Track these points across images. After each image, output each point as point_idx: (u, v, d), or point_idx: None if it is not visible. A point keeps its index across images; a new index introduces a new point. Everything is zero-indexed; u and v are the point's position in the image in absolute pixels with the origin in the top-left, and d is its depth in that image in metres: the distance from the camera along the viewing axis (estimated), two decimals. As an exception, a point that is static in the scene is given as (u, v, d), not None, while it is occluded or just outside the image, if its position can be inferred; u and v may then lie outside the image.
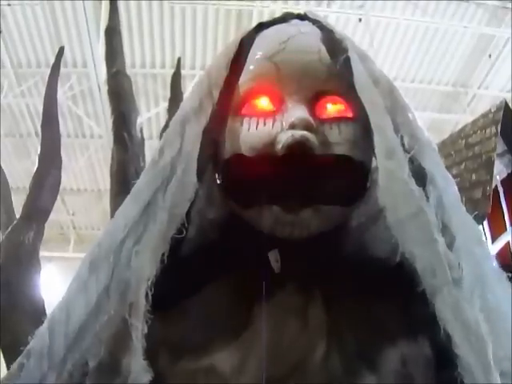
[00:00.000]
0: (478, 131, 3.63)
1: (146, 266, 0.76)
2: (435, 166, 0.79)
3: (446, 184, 0.79)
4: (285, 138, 0.79)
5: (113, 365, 0.74)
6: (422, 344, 0.80)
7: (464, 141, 3.74)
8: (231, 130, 0.85)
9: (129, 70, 8.87)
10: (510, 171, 3.75)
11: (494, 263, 0.81)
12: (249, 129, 0.84)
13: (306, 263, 0.85)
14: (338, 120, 0.84)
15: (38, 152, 4.28)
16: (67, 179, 9.41)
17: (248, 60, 0.88)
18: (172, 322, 0.81)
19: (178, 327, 0.81)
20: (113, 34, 4.00)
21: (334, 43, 0.86)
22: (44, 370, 0.78)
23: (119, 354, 0.74)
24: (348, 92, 0.83)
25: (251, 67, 0.87)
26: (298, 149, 0.79)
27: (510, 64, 8.42)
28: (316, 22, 0.92)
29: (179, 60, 4.70)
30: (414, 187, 0.75)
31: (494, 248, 3.64)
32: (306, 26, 0.91)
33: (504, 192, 3.71)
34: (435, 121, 9.37)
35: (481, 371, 0.68)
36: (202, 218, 0.91)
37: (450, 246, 0.73)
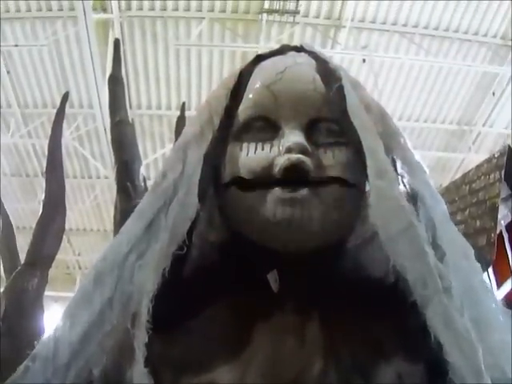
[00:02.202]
0: (482, 177, 3.63)
1: (148, 280, 0.79)
2: (425, 185, 0.83)
3: (435, 202, 0.83)
4: (282, 161, 0.83)
5: (117, 375, 0.78)
6: (417, 358, 0.81)
7: (468, 186, 3.73)
8: (231, 154, 0.88)
9: (135, 112, 9.01)
10: (515, 216, 3.73)
11: (482, 276, 0.83)
12: (248, 153, 0.87)
13: (303, 283, 0.86)
14: (332, 145, 0.87)
15: (43, 198, 4.31)
16: (73, 219, 9.45)
17: (247, 89, 0.92)
18: (174, 340, 0.83)
19: (179, 346, 0.83)
20: (116, 83, 4.04)
21: (328, 73, 0.91)
22: (48, 374, 0.80)
23: (124, 364, 0.77)
24: (341, 118, 0.87)
25: (250, 96, 0.91)
26: (294, 171, 0.82)
27: (514, 101, 8.48)
28: (311, 53, 0.97)
29: (183, 104, 4.75)
30: (405, 203, 0.79)
31: (500, 293, 3.60)
32: (302, 57, 0.96)
33: (509, 237, 3.69)
34: (441, 159, 9.40)
35: (472, 375, 0.70)
36: (203, 240, 0.94)
37: (440, 259, 0.77)
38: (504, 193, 3.59)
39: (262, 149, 0.86)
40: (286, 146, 0.84)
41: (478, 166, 3.76)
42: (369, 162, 0.82)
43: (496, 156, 3.63)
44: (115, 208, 3.18)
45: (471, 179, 3.75)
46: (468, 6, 8.12)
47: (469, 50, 8.69)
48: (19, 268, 4.16)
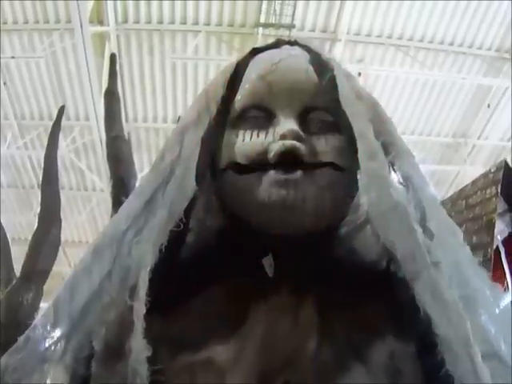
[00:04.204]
0: (479, 192, 3.62)
1: (145, 255, 0.82)
2: (413, 168, 0.87)
3: (422, 183, 0.86)
4: (276, 147, 0.86)
5: (118, 347, 0.79)
6: (409, 337, 0.83)
7: (464, 201, 3.72)
8: (227, 141, 0.92)
9: (131, 124, 9.01)
10: (511, 230, 3.72)
11: (469, 252, 0.85)
12: (243, 140, 0.90)
13: (298, 268, 0.89)
14: (325, 132, 0.91)
15: (38, 211, 4.30)
16: (69, 231, 9.42)
17: (244, 79, 0.96)
18: (171, 320, 0.85)
19: (177, 325, 0.85)
20: (112, 98, 4.04)
21: (320, 63, 0.95)
22: (48, 344, 0.83)
23: (123, 337, 0.78)
24: (334, 106, 0.91)
25: (246, 86, 0.95)
26: (288, 156, 0.85)
27: (509, 113, 8.52)
28: (305, 47, 1.00)
29: (180, 118, 4.74)
30: (394, 183, 0.83)
31: (497, 309, 3.58)
32: (296, 50, 1.00)
33: (506, 252, 3.68)
34: (436, 172, 9.41)
35: (460, 345, 0.72)
36: (200, 225, 0.97)
37: (429, 238, 0.80)
38: (501, 208, 3.58)
39: (258, 136, 0.90)
40: (280, 133, 0.87)
41: (475, 181, 3.75)
42: (359, 146, 0.86)
43: (492, 171, 3.62)
44: (111, 223, 3.17)
45: (467, 194, 3.74)
46: (462, 18, 8.16)
47: (464, 62, 8.73)
48: (14, 282, 4.15)
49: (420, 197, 0.83)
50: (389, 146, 0.87)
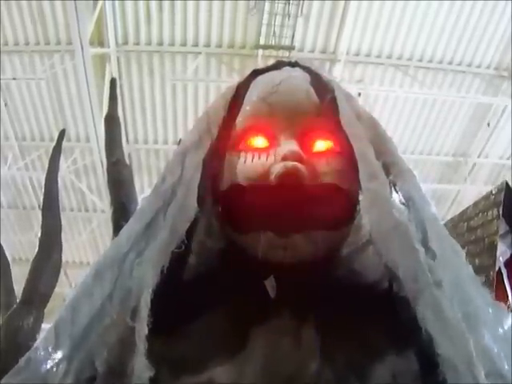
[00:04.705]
0: (480, 214, 3.62)
1: (147, 276, 0.81)
2: (414, 187, 0.86)
3: (424, 203, 0.85)
4: (278, 168, 0.85)
5: (120, 369, 0.77)
6: (411, 358, 0.82)
7: (466, 224, 3.72)
8: (229, 163, 0.91)
9: (132, 146, 9.03)
10: (513, 252, 3.71)
11: (472, 271, 0.84)
12: (245, 161, 0.90)
13: (300, 290, 0.88)
14: (326, 153, 0.90)
15: (39, 235, 4.30)
16: (70, 252, 9.41)
17: (245, 102, 0.96)
18: (172, 342, 0.84)
19: (178, 347, 0.84)
20: (112, 123, 4.05)
21: (321, 85, 0.95)
22: (50, 365, 0.82)
23: (126, 358, 0.77)
24: (335, 128, 0.90)
25: (247, 108, 0.94)
26: (289, 178, 0.85)
27: (509, 131, 8.53)
28: (305, 68, 1.01)
29: (180, 141, 4.76)
30: (396, 203, 0.82)
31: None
32: (296, 71, 1.00)
33: (508, 274, 3.67)
34: (436, 191, 9.41)
35: (463, 364, 0.70)
36: (202, 247, 0.96)
37: (432, 258, 0.78)
38: (502, 229, 3.58)
39: (259, 157, 0.89)
40: (281, 155, 0.87)
41: (476, 203, 3.75)
42: (360, 166, 0.85)
43: (493, 192, 3.63)
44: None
45: (469, 216, 3.74)
46: (461, 37, 8.22)
47: (463, 81, 8.78)
48: (15, 306, 4.14)
49: (421, 216, 0.83)
50: (390, 165, 0.86)
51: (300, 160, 0.86)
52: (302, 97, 0.93)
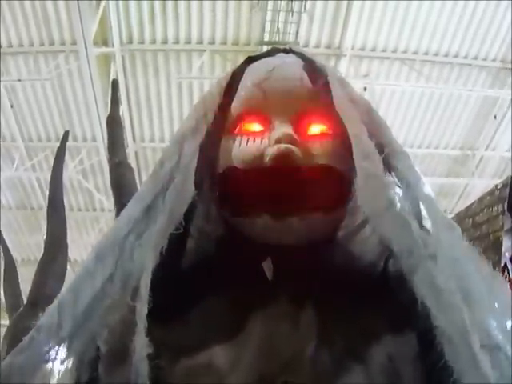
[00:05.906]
0: (485, 209, 3.61)
1: (147, 258, 0.83)
2: (407, 166, 0.87)
3: (416, 180, 0.86)
4: (272, 150, 0.87)
5: (122, 350, 0.79)
6: (410, 340, 0.84)
7: (471, 220, 3.71)
8: (225, 147, 0.93)
9: (138, 145, 9.00)
10: (518, 248, 3.69)
11: (467, 245, 0.84)
12: (240, 145, 0.91)
13: (298, 274, 0.89)
14: (320, 136, 0.92)
15: (45, 237, 4.31)
16: (78, 252, 9.42)
17: (239, 88, 0.97)
18: (172, 326, 0.86)
19: (177, 331, 0.85)
20: (114, 124, 4.05)
21: (314, 70, 0.96)
22: (53, 344, 0.84)
23: (127, 339, 0.78)
24: (328, 112, 0.92)
25: (242, 93, 0.96)
26: (283, 160, 0.86)
27: (515, 124, 8.50)
28: (299, 54, 1.01)
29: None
30: (389, 181, 0.84)
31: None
32: (290, 57, 1.00)
33: (513, 269, 3.65)
34: (444, 185, 9.39)
35: (458, 334, 0.72)
36: (200, 233, 0.98)
37: (424, 230, 0.80)
38: (507, 224, 3.56)
39: (254, 141, 0.91)
40: (275, 137, 0.88)
41: (481, 199, 3.74)
42: (354, 146, 0.86)
43: (498, 188, 3.61)
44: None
45: (474, 212, 3.73)
46: (467, 30, 8.19)
47: (469, 74, 8.74)
48: (21, 308, 4.16)
49: (415, 194, 0.84)
50: (383, 145, 0.88)
51: (294, 142, 0.87)
52: (295, 82, 0.94)
